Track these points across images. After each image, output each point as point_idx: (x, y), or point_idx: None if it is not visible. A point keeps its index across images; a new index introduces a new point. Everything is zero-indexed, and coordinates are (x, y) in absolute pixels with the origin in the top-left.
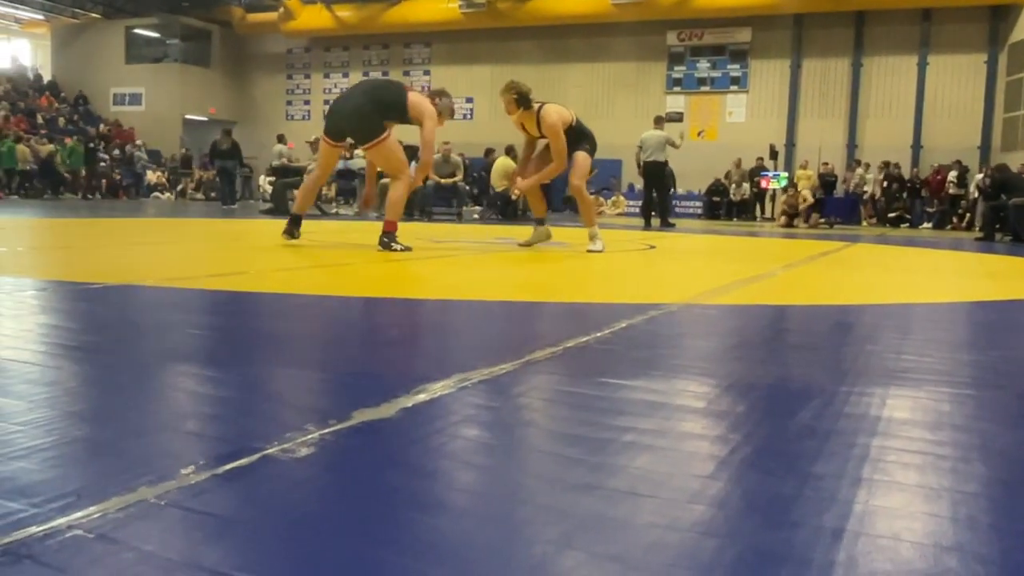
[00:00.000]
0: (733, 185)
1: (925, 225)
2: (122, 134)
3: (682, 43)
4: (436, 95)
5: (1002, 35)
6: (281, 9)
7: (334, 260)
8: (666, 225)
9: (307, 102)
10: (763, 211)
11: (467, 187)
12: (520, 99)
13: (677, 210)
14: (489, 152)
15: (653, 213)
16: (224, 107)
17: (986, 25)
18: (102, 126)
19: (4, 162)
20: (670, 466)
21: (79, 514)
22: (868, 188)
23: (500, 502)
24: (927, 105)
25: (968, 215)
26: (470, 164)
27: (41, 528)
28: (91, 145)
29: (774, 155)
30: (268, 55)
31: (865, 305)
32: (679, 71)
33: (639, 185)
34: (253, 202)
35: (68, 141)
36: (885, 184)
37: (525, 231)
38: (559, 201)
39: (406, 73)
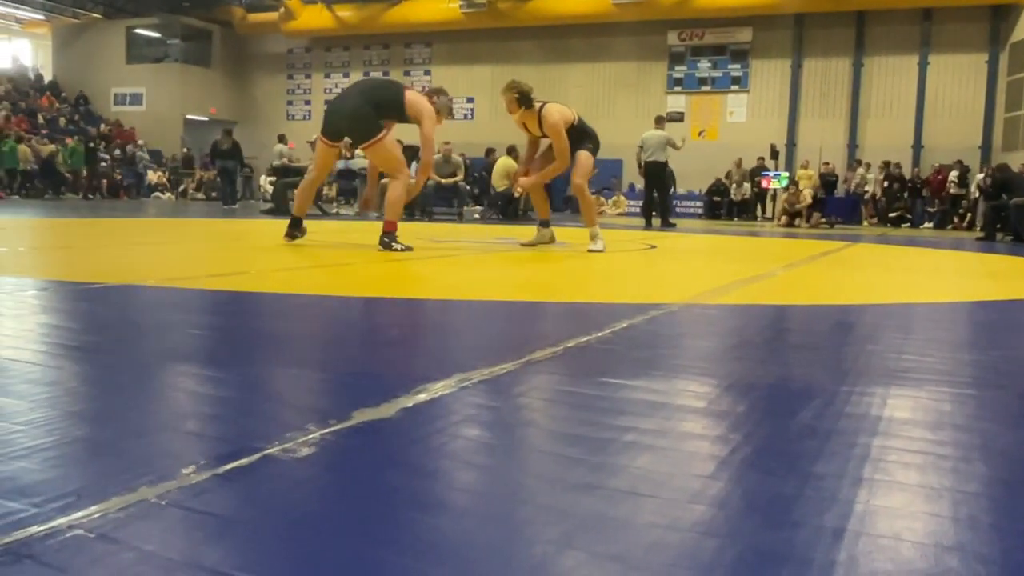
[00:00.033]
0: (734, 185)
1: (926, 225)
2: (123, 134)
3: (683, 43)
4: (434, 93)
5: (1003, 35)
6: (282, 9)
7: (335, 260)
8: (667, 225)
9: (308, 102)
10: (764, 211)
11: (468, 187)
12: (521, 98)
13: (678, 210)
14: (490, 152)
15: (654, 213)
16: (225, 107)
17: (987, 25)
18: (103, 126)
19: (6, 162)
20: (671, 466)
21: (80, 514)
22: (869, 188)
23: (501, 502)
24: (928, 105)
25: (969, 215)
26: (471, 164)
27: (42, 528)
28: (91, 145)
29: (775, 155)
30: (269, 55)
31: (866, 305)
32: (680, 71)
33: (640, 185)
34: (254, 202)
35: (69, 141)
36: (886, 184)
37: (526, 231)
38: (560, 201)
39: (407, 73)
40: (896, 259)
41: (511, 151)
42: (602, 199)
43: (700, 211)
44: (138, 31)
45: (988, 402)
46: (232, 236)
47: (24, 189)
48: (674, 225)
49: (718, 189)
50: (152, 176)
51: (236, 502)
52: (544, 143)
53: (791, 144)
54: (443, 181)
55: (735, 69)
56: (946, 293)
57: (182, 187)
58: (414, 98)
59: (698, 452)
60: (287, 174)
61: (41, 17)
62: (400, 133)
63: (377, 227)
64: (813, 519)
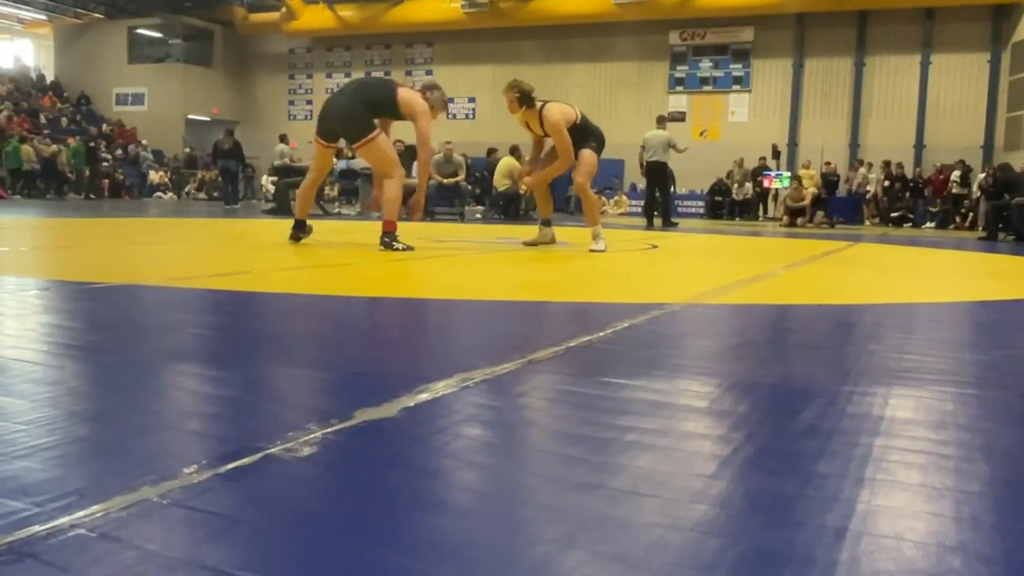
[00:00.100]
0: (735, 185)
1: (928, 225)
2: (124, 134)
3: (684, 43)
4: (427, 89)
5: (1005, 34)
6: (283, 9)
7: (336, 260)
8: (669, 225)
9: (309, 102)
10: (766, 211)
11: (469, 187)
12: (522, 97)
13: (679, 210)
14: (491, 152)
15: (656, 213)
16: (226, 107)
17: (989, 24)
18: (105, 126)
19: (9, 162)
20: (672, 466)
21: (82, 513)
22: (871, 188)
23: (502, 501)
24: (930, 105)
25: (971, 215)
26: (472, 164)
27: (44, 527)
28: (91, 144)
29: (776, 155)
30: (270, 55)
31: (868, 305)
32: (681, 71)
33: (641, 185)
34: (256, 202)
35: (71, 141)
36: (886, 183)
37: (528, 231)
38: (561, 200)
39: (408, 73)
40: (898, 259)
41: (514, 151)
42: (604, 199)
43: (702, 211)
44: (140, 31)
45: (990, 402)
46: (234, 236)
47: (26, 189)
48: (676, 224)
49: (720, 189)
50: (154, 176)
51: (238, 501)
52: (549, 142)
53: (793, 144)
54: (445, 181)
55: (737, 69)
56: (948, 293)
57: (188, 188)
58: (407, 95)
59: (700, 452)
60: (288, 174)
61: (43, 17)
62: (400, 133)
63: (379, 227)
64: (815, 519)
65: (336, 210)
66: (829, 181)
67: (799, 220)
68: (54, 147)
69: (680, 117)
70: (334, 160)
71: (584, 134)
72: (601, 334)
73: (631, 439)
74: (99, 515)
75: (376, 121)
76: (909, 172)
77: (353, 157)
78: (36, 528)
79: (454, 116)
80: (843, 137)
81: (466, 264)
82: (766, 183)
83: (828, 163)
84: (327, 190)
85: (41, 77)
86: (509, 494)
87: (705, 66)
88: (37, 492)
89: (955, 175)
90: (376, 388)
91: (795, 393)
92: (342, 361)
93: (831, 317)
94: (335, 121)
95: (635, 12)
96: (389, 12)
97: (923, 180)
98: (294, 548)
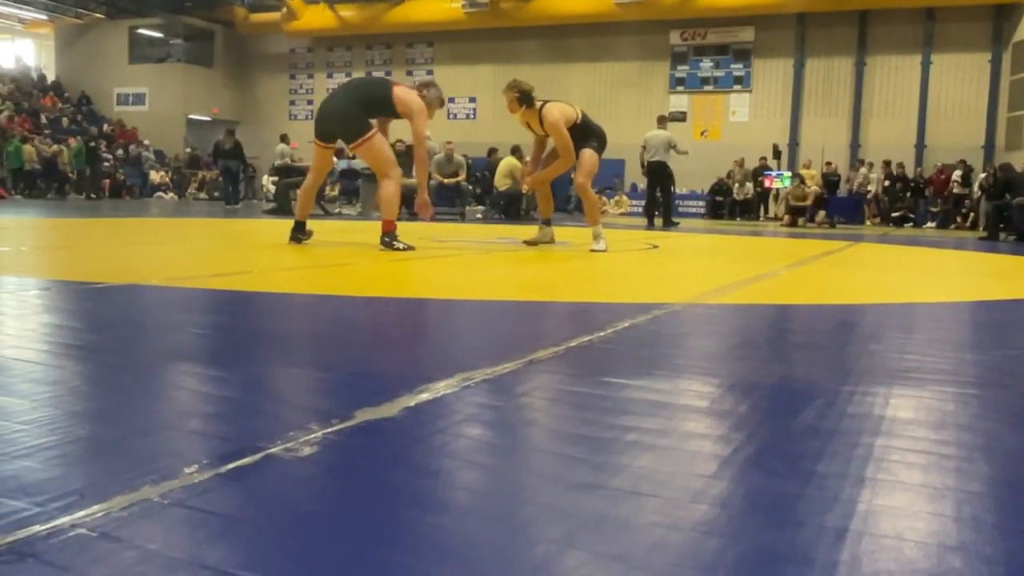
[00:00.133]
0: (736, 185)
1: (929, 225)
2: (125, 134)
3: (685, 43)
4: (423, 87)
5: (1006, 34)
6: (284, 9)
7: (337, 260)
8: (669, 225)
9: (310, 102)
10: (766, 211)
11: (470, 187)
12: (522, 97)
13: (680, 210)
14: (492, 152)
15: (656, 213)
16: (227, 107)
17: (990, 24)
18: (105, 126)
19: (11, 162)
20: (673, 465)
21: (82, 513)
22: (872, 188)
23: (503, 501)
24: (931, 104)
25: (972, 215)
26: (473, 164)
27: (44, 527)
28: (92, 144)
29: (777, 154)
30: (271, 55)
31: (868, 304)
32: (682, 70)
33: (642, 185)
34: (256, 202)
35: (72, 141)
36: (886, 183)
37: (529, 231)
38: (562, 200)
39: (409, 73)
40: (899, 259)
41: (515, 151)
42: (604, 199)
43: (702, 211)
44: (141, 31)
45: (991, 402)
46: (235, 236)
47: (27, 189)
48: (677, 224)
49: (720, 189)
50: (155, 176)
51: (239, 501)
52: (551, 142)
53: (794, 144)
54: (445, 181)
55: (737, 69)
56: (949, 293)
57: (190, 188)
58: (402, 94)
59: (700, 452)
60: (289, 174)
61: (44, 17)
62: (401, 133)
63: (380, 227)
64: (816, 519)
65: (337, 210)
66: (830, 181)
67: (800, 220)
68: (55, 147)
69: (681, 117)
70: (335, 160)
71: (586, 133)
72: (602, 334)
73: (632, 439)
74: (100, 515)
75: (373, 121)
76: (910, 172)
77: (354, 157)
78: (37, 528)
79: (455, 116)
80: (844, 137)
81: (467, 264)
82: (767, 183)
83: (829, 163)
84: (328, 190)
85: (42, 77)
86: (510, 494)
87: (706, 66)
88: (38, 492)
89: (956, 175)
90: (377, 388)
91: (796, 393)
92: (343, 361)
93: (832, 317)
94: (332, 122)
95: (636, 12)
96: (390, 12)
97: (924, 180)
98: (295, 548)
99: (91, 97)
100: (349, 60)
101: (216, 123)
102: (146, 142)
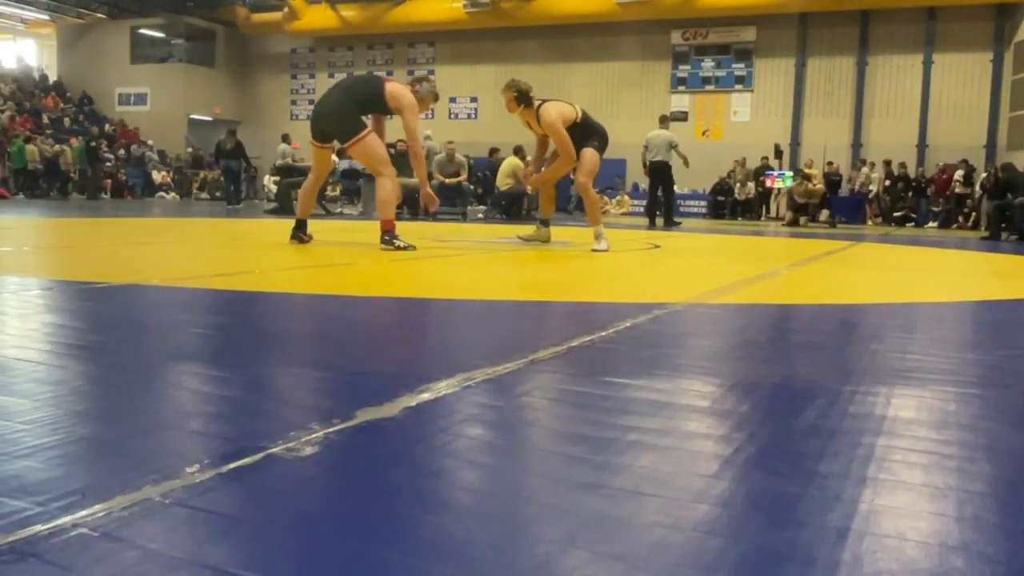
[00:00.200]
0: (738, 184)
1: (931, 224)
2: (127, 134)
3: (687, 42)
4: (416, 81)
5: (1008, 34)
6: (285, 9)
7: (338, 259)
8: (671, 224)
9: (311, 102)
10: (768, 211)
11: (471, 186)
12: (520, 97)
13: (681, 209)
14: (493, 151)
15: (658, 212)
16: (228, 107)
17: (991, 24)
18: (107, 126)
19: (14, 162)
20: (674, 465)
21: (84, 512)
22: (873, 187)
23: (504, 501)
24: (932, 104)
25: (974, 214)
26: (474, 164)
27: (46, 526)
28: (92, 144)
29: (779, 154)
30: (272, 55)
31: (870, 304)
32: (684, 70)
33: (644, 184)
34: (258, 202)
35: (74, 141)
36: (888, 183)
37: (528, 229)
38: (562, 201)
39: (410, 73)
40: (900, 259)
41: (518, 151)
42: (606, 198)
43: (704, 211)
44: (142, 31)
45: (993, 401)
46: (236, 236)
47: (29, 189)
48: (678, 224)
49: (722, 188)
50: (157, 176)
51: (240, 501)
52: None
53: (795, 143)
54: (447, 181)
55: (739, 68)
56: (950, 293)
57: (192, 188)
58: (394, 89)
59: (702, 451)
60: (291, 174)
61: (45, 17)
62: (401, 133)
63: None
64: (817, 518)
65: (338, 210)
66: (831, 181)
67: (802, 219)
68: (57, 147)
69: (683, 117)
70: (336, 160)
71: (587, 133)
72: (603, 334)
73: (633, 439)
74: (101, 514)
75: (368, 119)
76: (912, 172)
77: None
78: (38, 527)
79: (456, 116)
80: (845, 136)
81: (468, 264)
82: (768, 183)
83: (830, 163)
84: (329, 190)
85: (44, 77)
86: (511, 494)
87: (707, 66)
88: (39, 491)
89: (958, 175)
90: (378, 388)
91: (797, 393)
92: (344, 361)
93: (833, 317)
94: (327, 121)
95: (637, 12)
96: (391, 12)
97: (926, 180)
98: (296, 548)
99: (93, 97)
100: (351, 60)
101: (218, 123)
102: (149, 142)
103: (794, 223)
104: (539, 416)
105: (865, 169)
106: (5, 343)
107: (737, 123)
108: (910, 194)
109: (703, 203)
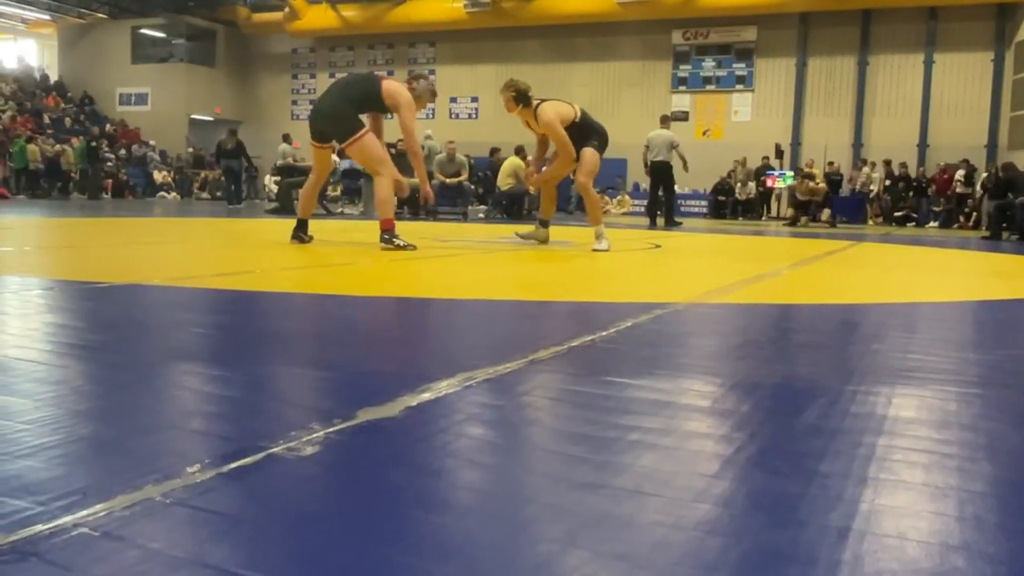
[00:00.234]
0: (738, 184)
1: (931, 224)
2: (128, 134)
3: (687, 42)
4: (413, 79)
5: (1009, 33)
6: (286, 9)
7: (339, 259)
8: (672, 224)
9: (312, 102)
10: (769, 210)
11: (472, 186)
12: (518, 96)
13: (682, 209)
14: (494, 151)
15: (659, 212)
16: (229, 107)
17: (992, 23)
18: (108, 126)
19: (16, 162)
20: (675, 465)
21: (85, 512)
22: (874, 187)
23: (505, 500)
24: (933, 104)
25: (975, 214)
26: (475, 164)
27: (47, 526)
28: (93, 144)
29: (780, 154)
30: (273, 55)
31: (871, 304)
32: (684, 70)
33: (644, 184)
34: (259, 201)
35: (75, 141)
36: (889, 183)
37: (529, 228)
38: (562, 201)
39: (411, 72)
40: (901, 258)
41: (519, 151)
42: (606, 198)
43: (705, 210)
44: (143, 31)
45: (994, 401)
46: (237, 235)
47: (31, 189)
48: (679, 224)
49: (723, 188)
50: (157, 176)
51: (241, 501)
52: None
53: (796, 143)
54: (448, 180)
55: (740, 68)
56: (951, 292)
57: (194, 188)
58: (391, 87)
59: (703, 451)
60: (291, 173)
61: (46, 17)
62: (400, 133)
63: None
64: (818, 518)
65: (339, 210)
66: (832, 180)
67: (803, 219)
68: (58, 147)
69: (683, 116)
70: (337, 160)
71: (587, 132)
72: (604, 333)
73: (634, 438)
74: (102, 514)
75: (366, 118)
76: (913, 171)
77: None
78: (39, 527)
79: (457, 116)
80: (846, 136)
81: (469, 263)
82: (769, 182)
83: (831, 162)
84: (330, 190)
85: (45, 77)
86: (512, 493)
87: (708, 65)
88: (40, 491)
89: (959, 174)
90: (378, 387)
91: (798, 392)
92: (344, 360)
93: (834, 316)
94: (324, 121)
95: (638, 11)
96: (392, 12)
97: (926, 179)
98: (297, 547)
99: (94, 97)
100: (351, 60)
101: (218, 123)
102: (150, 142)
103: (795, 223)
104: (540, 416)
105: (866, 169)
106: (6, 343)
107: (738, 123)
108: (911, 194)
109: (704, 203)
